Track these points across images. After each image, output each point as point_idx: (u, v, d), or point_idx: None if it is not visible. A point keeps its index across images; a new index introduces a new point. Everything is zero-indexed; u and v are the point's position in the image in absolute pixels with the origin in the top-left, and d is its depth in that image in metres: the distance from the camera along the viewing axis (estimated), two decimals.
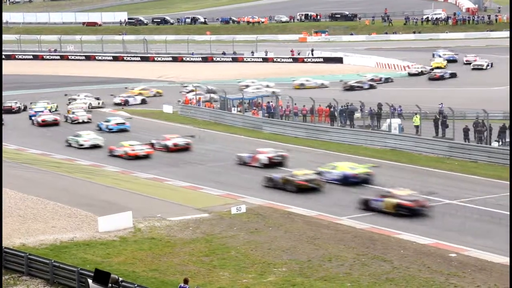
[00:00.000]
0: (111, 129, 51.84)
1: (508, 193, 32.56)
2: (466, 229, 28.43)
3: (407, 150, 43.53)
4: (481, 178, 36.68)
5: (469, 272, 23.62)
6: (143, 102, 67.17)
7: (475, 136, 43.24)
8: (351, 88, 69.94)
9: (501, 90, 67.23)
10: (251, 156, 40.20)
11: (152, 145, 45.26)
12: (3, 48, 78.42)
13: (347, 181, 34.96)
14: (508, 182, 35.28)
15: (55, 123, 56.03)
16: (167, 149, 44.86)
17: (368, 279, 23.16)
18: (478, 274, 23.42)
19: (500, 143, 42.38)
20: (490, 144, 41.74)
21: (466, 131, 43.15)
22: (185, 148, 45.01)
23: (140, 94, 69.55)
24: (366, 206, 30.91)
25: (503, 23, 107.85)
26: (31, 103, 63.22)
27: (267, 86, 69.21)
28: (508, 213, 30.20)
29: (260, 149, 41.09)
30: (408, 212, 29.81)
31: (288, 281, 23.13)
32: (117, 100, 66.92)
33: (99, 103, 65.55)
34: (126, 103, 66.39)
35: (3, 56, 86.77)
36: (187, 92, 67.96)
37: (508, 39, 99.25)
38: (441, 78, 75.61)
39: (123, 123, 52.86)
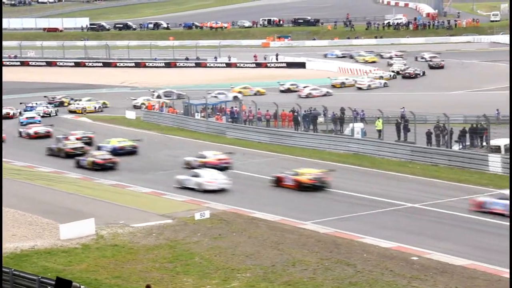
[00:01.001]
0: (21, 122, 58.21)
1: (465, 197, 33.05)
2: (427, 232, 28.68)
3: (370, 154, 43.82)
4: (442, 181, 37.08)
5: (431, 274, 23.85)
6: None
7: (436, 140, 43.76)
8: (415, 76, 77.91)
9: (458, 94, 68.32)
10: (64, 137, 47.46)
11: (19, 133, 53.10)
12: None
13: (116, 152, 43.71)
14: (468, 185, 35.82)
15: (8, 117, 61.33)
16: (29, 136, 52.30)
17: (331, 283, 23.24)
18: (439, 277, 23.65)
19: (461, 146, 42.95)
20: (451, 148, 42.25)
21: (429, 135, 43.64)
22: (45, 136, 51.95)
23: (240, 92, 68.92)
24: (78, 164, 41.81)
25: (462, 28, 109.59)
26: (73, 99, 68.63)
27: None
28: (464, 215, 30.73)
29: (72, 131, 49.92)
30: (99, 167, 40.66)
31: (252, 286, 23.11)
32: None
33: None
34: None
35: None
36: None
37: (466, 43, 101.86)
38: (443, 67, 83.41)
39: (33, 117, 59.05)
